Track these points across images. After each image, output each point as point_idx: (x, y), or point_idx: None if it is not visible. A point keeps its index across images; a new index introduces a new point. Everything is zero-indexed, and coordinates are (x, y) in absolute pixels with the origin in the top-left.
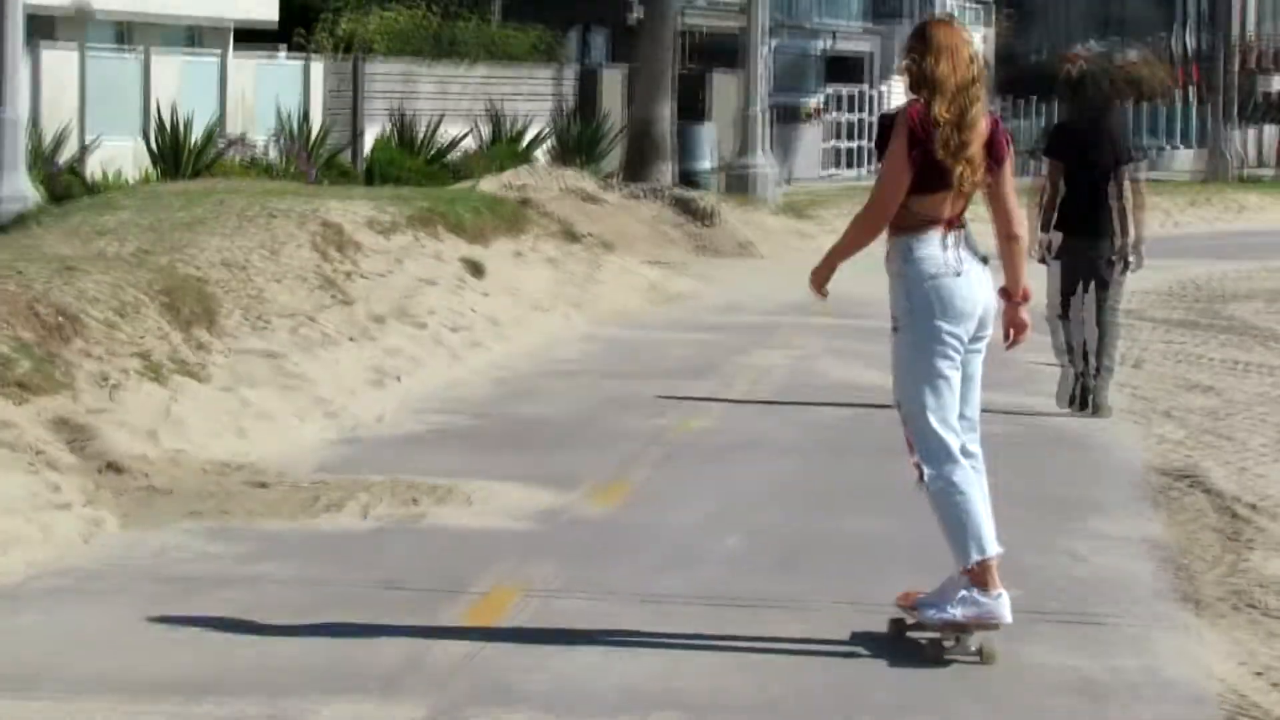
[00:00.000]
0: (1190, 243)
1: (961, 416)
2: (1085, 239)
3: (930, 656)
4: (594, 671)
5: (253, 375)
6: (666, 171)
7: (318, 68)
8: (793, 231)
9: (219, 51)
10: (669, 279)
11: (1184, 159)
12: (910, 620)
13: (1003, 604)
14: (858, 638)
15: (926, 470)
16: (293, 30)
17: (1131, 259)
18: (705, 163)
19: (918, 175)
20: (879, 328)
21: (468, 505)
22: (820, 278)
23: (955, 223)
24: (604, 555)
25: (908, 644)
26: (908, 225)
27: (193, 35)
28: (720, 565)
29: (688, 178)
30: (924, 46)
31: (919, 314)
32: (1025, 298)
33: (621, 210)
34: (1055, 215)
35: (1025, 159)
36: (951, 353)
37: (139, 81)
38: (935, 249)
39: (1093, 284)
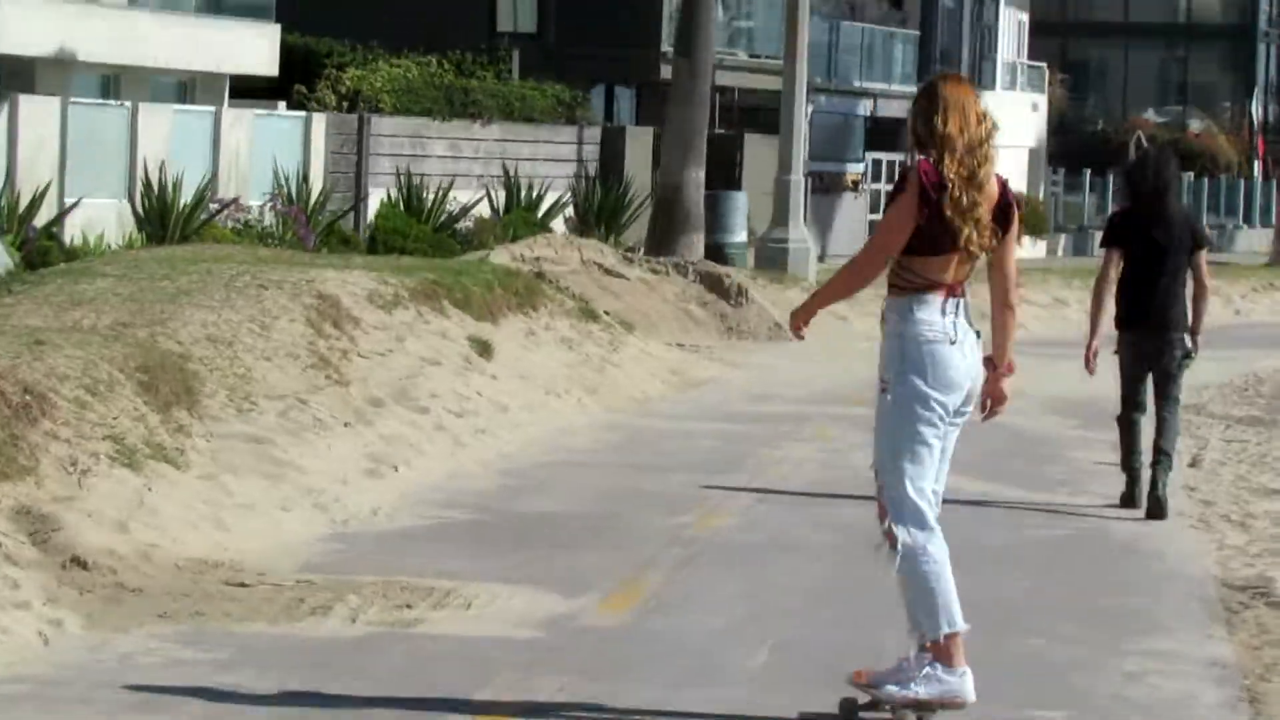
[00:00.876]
0: (1255, 332)
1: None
2: (1153, 332)
3: None
4: None
5: (236, 462)
6: (695, 244)
7: (319, 124)
8: (828, 313)
9: (213, 106)
10: (694, 363)
11: (1248, 239)
12: (864, 699)
13: (967, 682)
14: None
15: (900, 538)
16: (293, 84)
17: (1190, 349)
18: (737, 235)
19: (925, 235)
20: None
21: (466, 610)
22: (800, 319)
23: (957, 290)
24: (615, 669)
25: None
26: (909, 286)
27: (185, 88)
28: (745, 683)
29: (717, 251)
30: (933, 103)
31: (910, 378)
32: (1009, 370)
33: (644, 286)
34: (1116, 307)
35: (1079, 235)
36: (937, 420)
37: (125, 137)
38: (935, 314)
39: (1151, 376)
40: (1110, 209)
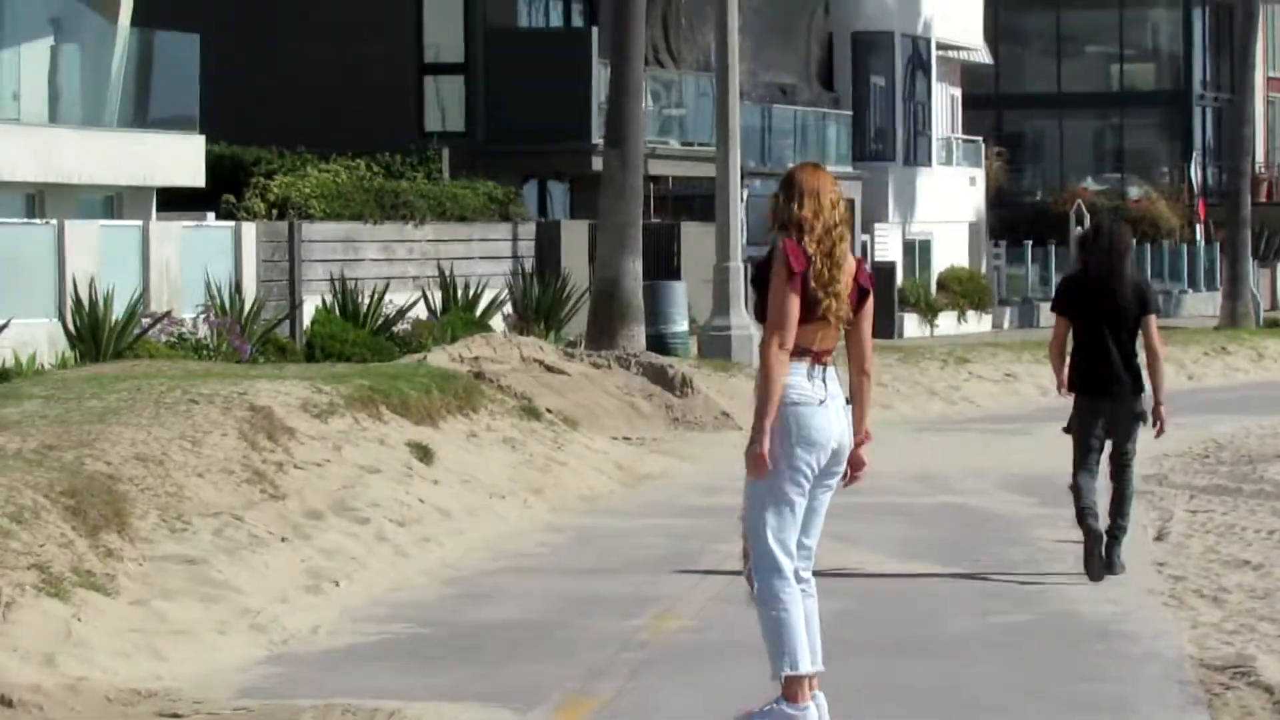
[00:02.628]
0: (1209, 396)
1: (801, 545)
2: (1109, 397)
3: None
4: None
5: (169, 585)
6: (636, 335)
7: (249, 233)
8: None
9: (141, 220)
10: (640, 458)
11: (1195, 303)
12: None
13: (809, 715)
14: None
15: (757, 583)
16: (221, 194)
17: (1154, 423)
18: (678, 325)
19: None
20: (879, 505)
21: None
22: (760, 453)
23: (823, 357)
24: None
25: None
26: None
27: (112, 202)
28: None
29: (659, 341)
30: (791, 190)
31: (776, 437)
32: (866, 438)
33: (587, 381)
34: (1071, 373)
35: (1024, 307)
36: (802, 479)
37: (53, 254)
38: (801, 378)
39: (1109, 443)
40: (1054, 279)
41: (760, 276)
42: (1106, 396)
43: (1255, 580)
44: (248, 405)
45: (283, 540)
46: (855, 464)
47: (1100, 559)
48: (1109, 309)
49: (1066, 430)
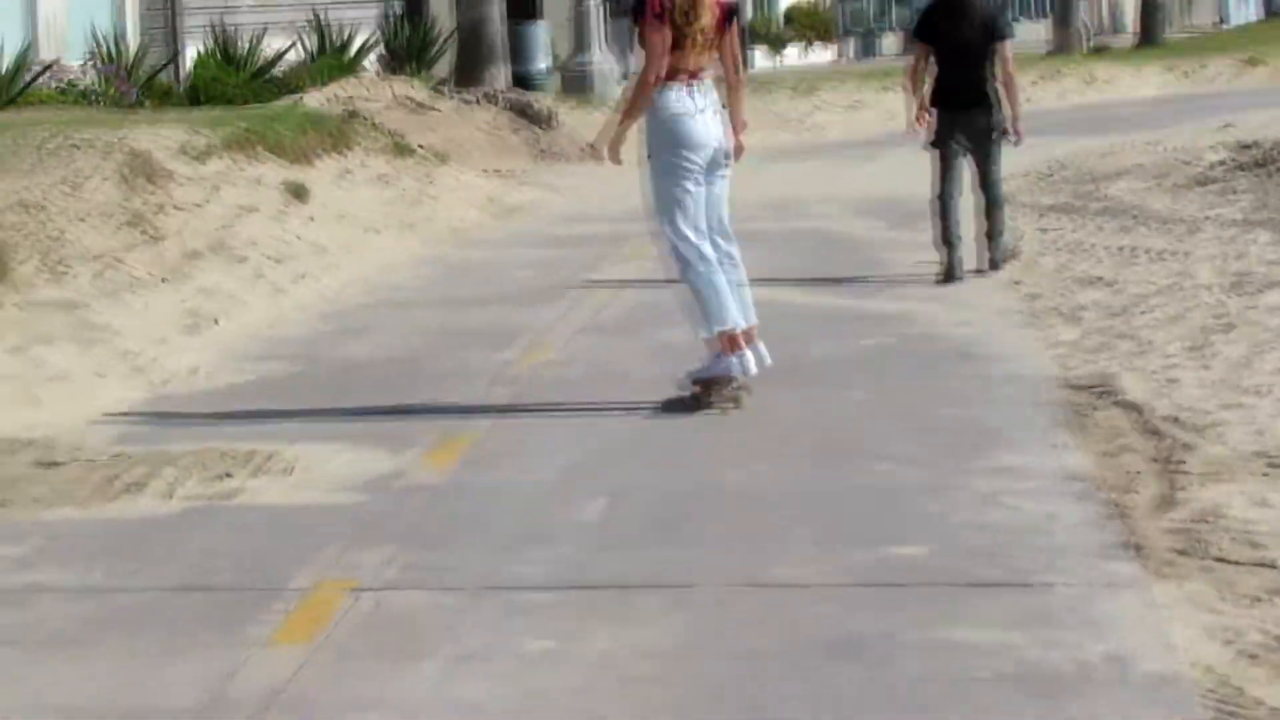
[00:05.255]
0: (1046, 119)
1: (716, 226)
2: (969, 111)
3: (691, 406)
4: (439, 698)
5: (49, 331)
6: (500, 75)
7: None
8: (636, 130)
9: None
10: (509, 190)
11: (1027, 30)
12: (679, 390)
13: (744, 360)
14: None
15: (678, 264)
16: None
17: (1013, 136)
18: (540, 64)
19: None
20: (738, 232)
21: (287, 476)
22: (613, 146)
23: (697, 74)
24: (445, 533)
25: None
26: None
27: None
28: (580, 539)
29: (524, 80)
30: None
31: (664, 144)
32: (743, 127)
33: (456, 119)
34: (933, 93)
35: (866, 38)
36: (693, 174)
37: None
38: (681, 93)
39: (972, 160)
40: (894, 12)
41: (634, 12)
42: (965, 111)
43: (1110, 297)
44: (127, 150)
45: (163, 281)
46: (738, 149)
47: (959, 275)
48: (966, 35)
49: (932, 145)
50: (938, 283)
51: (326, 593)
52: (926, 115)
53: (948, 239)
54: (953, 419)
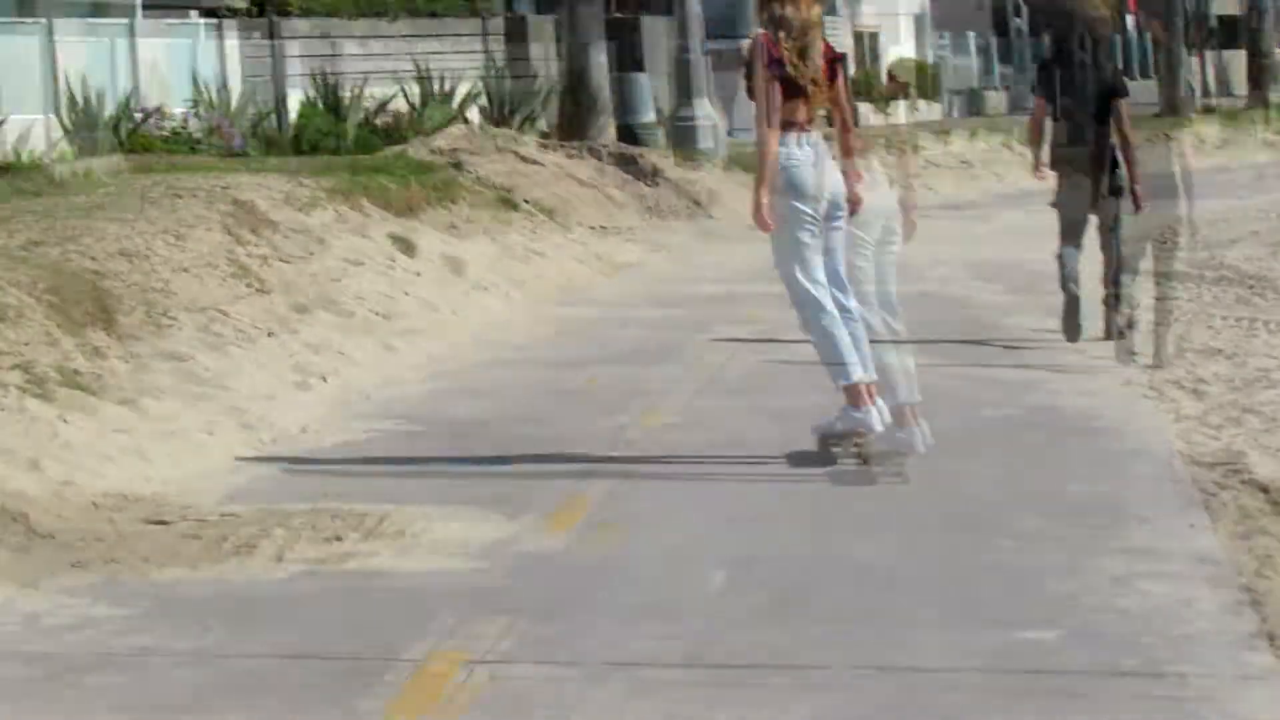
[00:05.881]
0: (1155, 183)
1: (833, 279)
2: (1081, 175)
3: (821, 459)
4: None
5: (156, 384)
6: (606, 128)
7: (232, 30)
8: (741, 185)
9: (127, 19)
10: (617, 247)
11: (1138, 91)
12: (816, 437)
13: (870, 416)
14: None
15: (801, 317)
16: None
17: (1132, 200)
18: (646, 115)
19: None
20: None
21: (400, 540)
22: (759, 213)
23: (807, 126)
24: (563, 604)
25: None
26: None
27: (99, 4)
28: (704, 613)
29: (628, 132)
30: None
31: (779, 195)
32: (858, 178)
33: (561, 172)
34: (1051, 151)
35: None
36: (809, 226)
37: (44, 54)
38: (793, 146)
39: (1095, 218)
40: (997, 69)
41: (746, 65)
42: (1083, 172)
43: (1232, 370)
44: (231, 199)
45: (269, 335)
46: (855, 199)
47: (1078, 324)
48: (1084, 91)
49: (1053, 205)
50: (1068, 340)
51: (439, 665)
52: (1044, 171)
53: (1069, 296)
54: (1081, 495)
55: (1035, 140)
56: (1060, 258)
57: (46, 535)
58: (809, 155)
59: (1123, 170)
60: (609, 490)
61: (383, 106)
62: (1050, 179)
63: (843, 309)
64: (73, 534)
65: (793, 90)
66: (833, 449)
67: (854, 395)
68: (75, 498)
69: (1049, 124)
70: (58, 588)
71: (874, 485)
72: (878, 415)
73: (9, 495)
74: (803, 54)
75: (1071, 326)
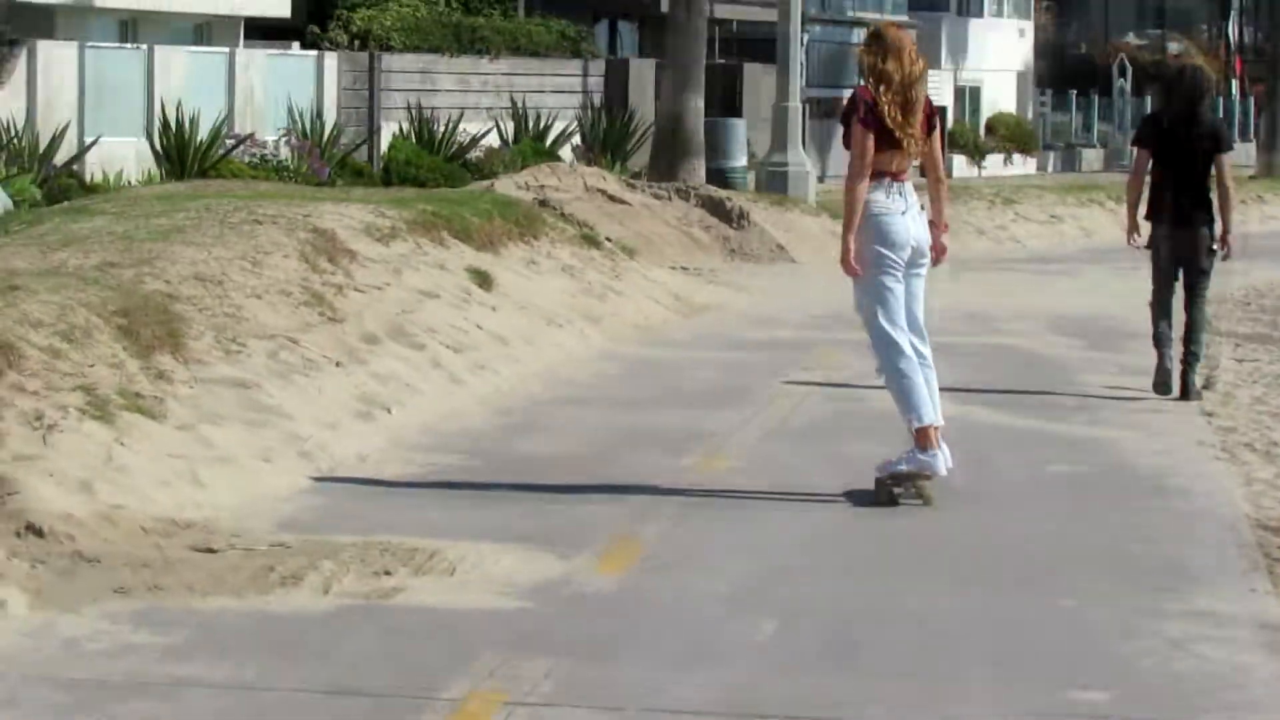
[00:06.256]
0: (1249, 244)
1: (911, 324)
2: (1184, 226)
3: (883, 499)
4: None
5: (218, 410)
6: (696, 169)
7: (331, 63)
8: (829, 233)
9: (228, 47)
10: (696, 288)
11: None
12: (879, 475)
13: (937, 459)
14: None
15: (879, 359)
16: (307, 25)
17: (1222, 250)
18: (738, 160)
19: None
20: (931, 341)
21: (450, 576)
22: (847, 259)
23: (899, 177)
24: (609, 646)
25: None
26: None
27: (201, 30)
28: (752, 661)
29: (719, 176)
30: (879, 46)
31: (867, 242)
32: (944, 228)
33: (647, 212)
34: (1149, 204)
35: (1067, 152)
36: (893, 273)
37: (143, 78)
38: (882, 194)
39: (1182, 272)
40: (1096, 126)
41: (845, 116)
42: (1180, 225)
43: None
44: (310, 227)
45: (337, 365)
46: (940, 249)
47: (1168, 383)
48: (1187, 145)
49: (1147, 247)
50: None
51: (477, 705)
52: (1137, 236)
53: (1159, 346)
54: (1143, 555)
55: (1134, 200)
56: (1153, 308)
57: (92, 559)
58: (899, 204)
59: (1216, 227)
60: (664, 532)
61: (475, 141)
62: (1141, 239)
63: (919, 355)
64: (118, 558)
65: (889, 142)
66: (894, 490)
67: (923, 438)
68: (124, 522)
69: (1148, 179)
70: (99, 613)
71: (935, 529)
72: (943, 460)
73: (57, 517)
74: (904, 108)
75: (1161, 385)
